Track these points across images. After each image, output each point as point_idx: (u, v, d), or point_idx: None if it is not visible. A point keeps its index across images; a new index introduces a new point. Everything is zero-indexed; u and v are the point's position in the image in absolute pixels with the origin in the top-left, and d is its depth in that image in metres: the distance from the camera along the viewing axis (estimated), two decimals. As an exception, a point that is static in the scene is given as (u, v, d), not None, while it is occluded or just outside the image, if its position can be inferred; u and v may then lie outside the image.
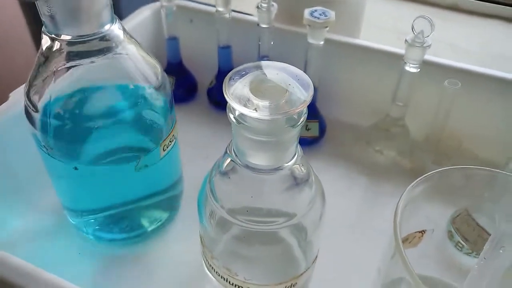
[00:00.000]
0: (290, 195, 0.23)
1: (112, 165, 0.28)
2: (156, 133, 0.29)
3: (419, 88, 0.38)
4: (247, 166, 0.21)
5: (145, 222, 0.33)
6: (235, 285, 0.25)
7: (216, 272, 0.25)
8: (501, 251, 0.21)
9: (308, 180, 0.23)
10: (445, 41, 0.70)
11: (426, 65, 0.36)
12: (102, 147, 0.27)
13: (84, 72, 0.25)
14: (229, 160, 0.22)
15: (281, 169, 0.22)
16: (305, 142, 0.41)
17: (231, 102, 0.18)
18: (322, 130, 0.42)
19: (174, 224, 0.35)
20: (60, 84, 0.25)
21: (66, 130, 0.26)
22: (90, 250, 0.33)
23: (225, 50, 0.42)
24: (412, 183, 0.22)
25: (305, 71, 0.38)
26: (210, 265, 0.26)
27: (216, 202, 0.23)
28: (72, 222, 0.32)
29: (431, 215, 0.27)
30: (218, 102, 0.45)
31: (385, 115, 0.39)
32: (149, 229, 0.33)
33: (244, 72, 0.20)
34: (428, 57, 0.37)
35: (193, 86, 0.47)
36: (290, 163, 0.22)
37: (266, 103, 0.18)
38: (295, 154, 0.22)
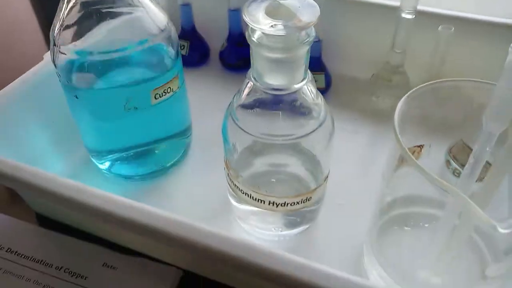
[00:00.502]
0: (303, 112, 0.27)
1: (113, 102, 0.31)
2: (147, 80, 0.32)
3: (415, 35, 0.41)
4: (265, 87, 0.25)
5: (158, 161, 0.37)
6: (258, 200, 0.28)
7: (241, 190, 0.29)
8: (488, 149, 0.24)
9: (318, 99, 0.27)
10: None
11: (420, 14, 0.39)
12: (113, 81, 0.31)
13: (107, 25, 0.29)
14: (248, 83, 0.26)
15: (294, 89, 0.25)
16: (312, 95, 0.44)
17: (252, 23, 0.22)
18: (328, 82, 0.45)
19: (185, 165, 0.39)
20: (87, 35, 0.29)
21: (87, 66, 0.30)
22: (115, 187, 0.36)
23: (235, 13, 0.45)
24: (408, 93, 0.25)
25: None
26: (235, 185, 0.29)
27: (237, 124, 0.27)
28: (96, 163, 0.36)
29: (427, 133, 0.30)
30: (230, 64, 0.48)
31: (384, 63, 0.43)
32: (164, 166, 0.37)
33: (259, 0, 0.23)
34: (421, 7, 0.40)
35: (206, 50, 0.50)
36: (301, 83, 0.25)
37: (280, 22, 0.22)
38: (305, 77, 0.26)
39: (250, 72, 0.26)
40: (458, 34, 0.39)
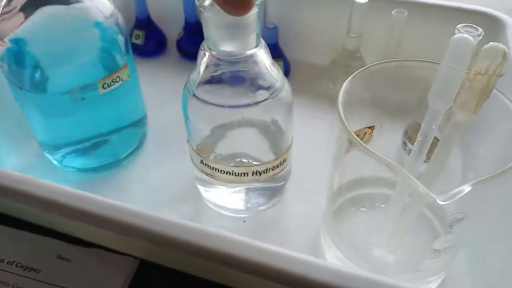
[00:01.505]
0: (261, 80, 0.27)
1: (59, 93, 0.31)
2: (94, 69, 0.31)
3: (370, 20, 0.41)
4: (220, 54, 0.26)
5: (112, 152, 0.36)
6: (241, 174, 0.29)
7: (217, 170, 0.30)
8: (433, 126, 0.24)
9: (274, 68, 0.28)
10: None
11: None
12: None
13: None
14: (203, 56, 0.26)
15: (249, 54, 0.26)
16: (271, 81, 0.44)
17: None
18: (287, 69, 0.45)
19: (141, 156, 0.38)
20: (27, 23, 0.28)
21: (26, 54, 0.29)
22: (69, 180, 0.36)
23: (190, 1, 0.45)
24: (353, 74, 0.26)
25: (264, 13, 0.41)
26: (208, 167, 0.30)
27: (201, 100, 0.27)
28: (49, 157, 0.35)
29: (382, 115, 0.30)
30: (187, 52, 0.48)
31: (341, 49, 0.43)
32: (119, 157, 0.37)
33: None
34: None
35: (162, 39, 0.49)
36: (255, 49, 0.26)
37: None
38: (258, 44, 0.26)
39: (204, 44, 0.26)
40: (411, 18, 0.39)
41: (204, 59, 0.27)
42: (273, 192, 0.33)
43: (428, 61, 0.26)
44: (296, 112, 0.39)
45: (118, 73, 0.32)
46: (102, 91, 0.31)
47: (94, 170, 0.36)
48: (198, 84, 0.28)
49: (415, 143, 0.25)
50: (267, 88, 0.28)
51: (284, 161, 0.31)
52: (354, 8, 0.40)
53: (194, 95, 0.28)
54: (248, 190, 0.32)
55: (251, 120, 0.29)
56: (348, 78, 0.25)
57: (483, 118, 0.25)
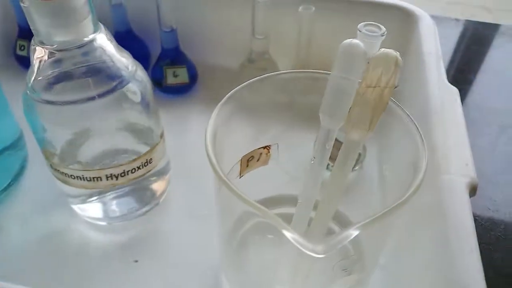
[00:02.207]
0: (105, 66, 0.25)
1: None
2: None
3: (276, 19, 0.37)
4: (55, 46, 0.23)
5: None
6: (94, 178, 0.26)
7: (71, 176, 0.26)
8: (327, 146, 0.21)
9: (122, 53, 0.26)
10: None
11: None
12: None
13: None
14: (37, 54, 0.23)
15: (87, 41, 0.24)
16: (176, 91, 0.40)
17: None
18: (193, 75, 0.41)
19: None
20: None
21: None
22: None
23: (118, 8, 0.39)
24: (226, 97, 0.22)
25: (158, 13, 0.36)
26: (63, 174, 0.26)
27: (47, 103, 0.24)
28: None
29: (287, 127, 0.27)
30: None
31: (249, 51, 0.39)
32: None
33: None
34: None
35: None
36: (94, 34, 0.24)
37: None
38: (97, 30, 0.24)
39: (34, 39, 0.23)
40: (319, 13, 0.36)
41: (38, 55, 0.24)
42: (143, 199, 0.30)
43: (319, 72, 0.23)
44: (204, 123, 0.36)
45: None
46: None
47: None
48: (39, 88, 0.24)
49: (309, 167, 0.22)
50: (113, 78, 0.25)
51: (148, 162, 0.28)
52: (256, 7, 0.36)
53: (37, 101, 0.24)
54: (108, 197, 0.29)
55: (104, 117, 0.26)
56: (217, 108, 0.22)
57: (382, 133, 0.22)
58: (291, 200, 0.27)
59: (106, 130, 0.26)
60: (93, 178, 0.26)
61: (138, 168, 0.27)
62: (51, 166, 0.27)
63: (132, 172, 0.27)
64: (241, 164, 0.24)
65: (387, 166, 0.24)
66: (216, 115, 0.21)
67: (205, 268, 0.28)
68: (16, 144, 0.32)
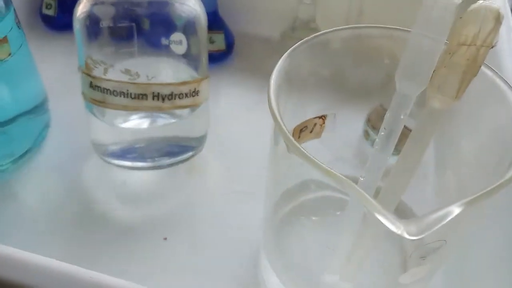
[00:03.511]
0: None
1: None
2: None
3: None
4: None
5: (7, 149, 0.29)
6: (139, 96, 0.24)
7: (110, 91, 0.24)
8: (402, 116, 0.18)
9: None
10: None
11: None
12: None
13: None
14: None
15: None
16: (213, 58, 0.37)
17: None
18: (230, 43, 0.38)
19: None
20: None
21: None
22: None
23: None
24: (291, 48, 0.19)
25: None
26: (101, 88, 0.25)
27: None
28: None
29: (338, 100, 0.24)
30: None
31: (294, 19, 0.36)
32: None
33: None
34: None
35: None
36: None
37: None
38: None
39: None
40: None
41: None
42: (183, 146, 0.29)
43: (395, 29, 0.20)
44: (240, 96, 0.34)
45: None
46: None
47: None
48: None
49: (377, 138, 0.19)
50: None
51: (195, 92, 0.26)
52: (306, -32, 0.33)
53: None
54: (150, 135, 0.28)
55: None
56: (286, 53, 0.18)
57: (466, 104, 0.19)
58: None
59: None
60: (138, 95, 0.24)
61: (186, 95, 0.25)
62: (90, 84, 0.25)
63: (179, 98, 0.25)
64: (293, 135, 0.21)
65: (464, 144, 0.21)
66: (280, 67, 0.18)
67: (242, 249, 0.25)
68: (40, 108, 0.30)
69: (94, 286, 0.15)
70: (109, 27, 0.24)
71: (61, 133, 0.31)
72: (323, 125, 0.23)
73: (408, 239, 0.13)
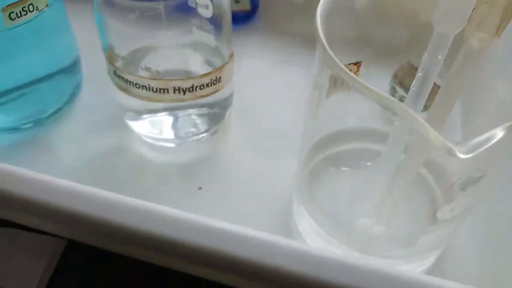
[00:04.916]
0: None
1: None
2: None
3: None
4: None
5: (35, 107, 0.29)
6: (160, 90, 0.24)
7: (135, 84, 0.24)
8: (439, 56, 0.18)
9: None
10: None
11: None
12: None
13: None
14: None
15: None
16: (237, 19, 0.37)
17: None
18: (255, 3, 0.38)
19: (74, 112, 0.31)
20: None
21: None
22: None
23: None
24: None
25: None
26: (125, 81, 0.25)
27: None
28: None
29: (363, 55, 0.24)
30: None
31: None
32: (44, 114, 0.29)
33: None
34: None
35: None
36: None
37: None
38: None
39: None
40: None
41: None
42: (211, 119, 0.29)
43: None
44: (265, 56, 0.33)
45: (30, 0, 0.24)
46: (9, 23, 0.24)
47: (11, 130, 0.29)
48: None
49: (413, 82, 0.19)
50: None
51: (216, 80, 0.25)
52: None
53: None
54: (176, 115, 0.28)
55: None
56: None
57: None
58: (364, 135, 0.25)
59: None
60: (160, 89, 0.24)
61: (207, 85, 0.25)
62: (114, 72, 0.25)
63: (200, 89, 0.25)
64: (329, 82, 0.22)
65: (500, 87, 0.21)
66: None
67: (273, 200, 0.26)
68: (72, 67, 0.30)
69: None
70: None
71: (94, 93, 0.32)
72: (358, 72, 0.23)
73: (453, 165, 0.13)
